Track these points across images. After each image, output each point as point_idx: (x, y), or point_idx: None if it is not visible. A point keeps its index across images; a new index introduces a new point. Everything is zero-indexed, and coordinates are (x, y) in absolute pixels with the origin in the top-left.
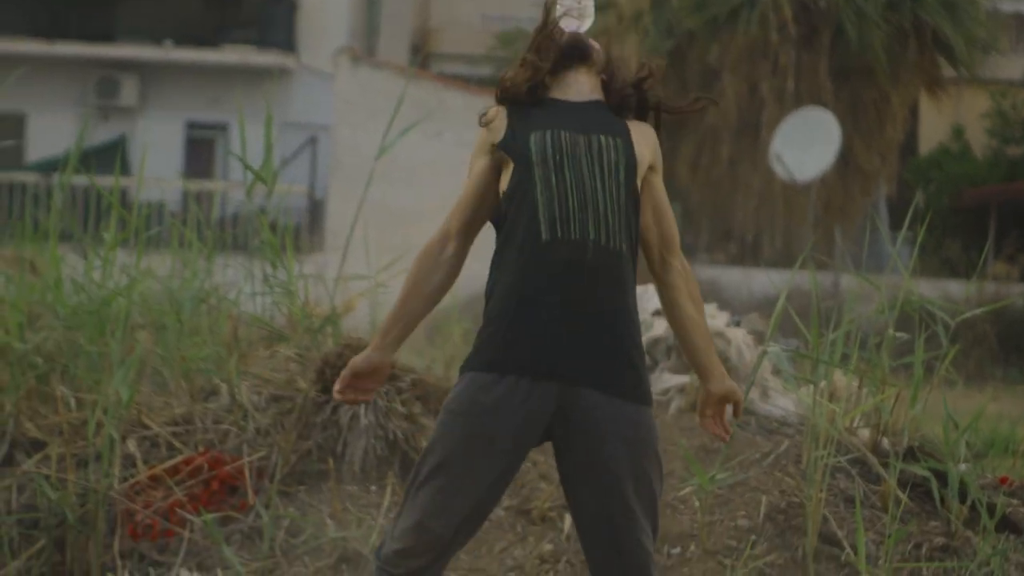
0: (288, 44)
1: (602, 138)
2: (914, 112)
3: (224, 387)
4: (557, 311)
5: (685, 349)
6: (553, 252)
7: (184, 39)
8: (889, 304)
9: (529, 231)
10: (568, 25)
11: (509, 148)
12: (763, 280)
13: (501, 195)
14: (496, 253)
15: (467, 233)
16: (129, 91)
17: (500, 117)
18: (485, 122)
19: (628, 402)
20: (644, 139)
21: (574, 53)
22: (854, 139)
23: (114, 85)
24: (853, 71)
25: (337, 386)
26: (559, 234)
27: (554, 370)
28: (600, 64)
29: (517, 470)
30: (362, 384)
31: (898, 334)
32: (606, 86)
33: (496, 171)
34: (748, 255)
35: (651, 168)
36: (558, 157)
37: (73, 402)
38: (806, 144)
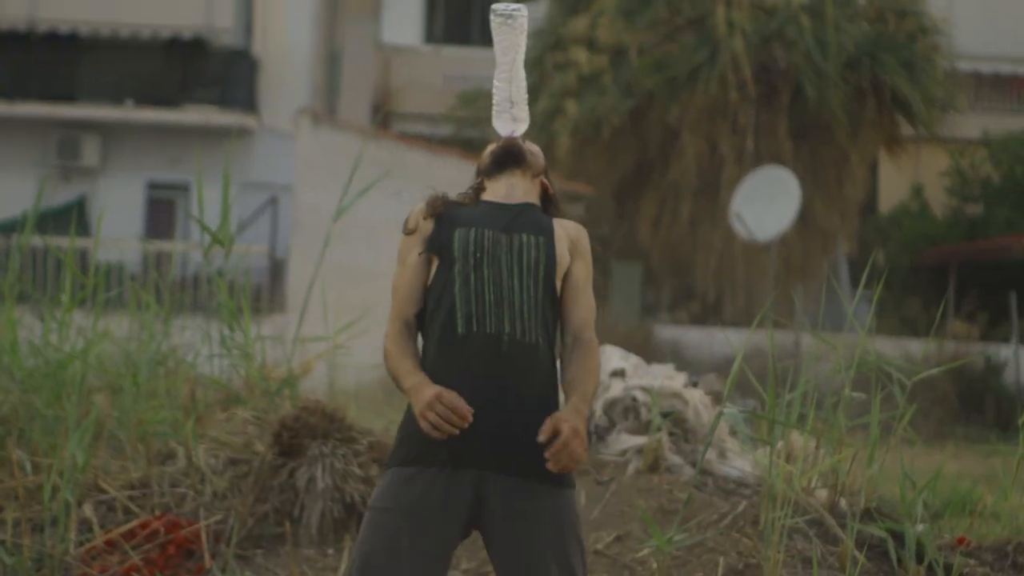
0: (249, 104)
1: (524, 237)
2: (873, 171)
3: (181, 450)
4: (474, 403)
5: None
6: (469, 345)
7: (145, 99)
8: (846, 363)
9: (447, 325)
10: (503, 128)
11: (434, 244)
12: (723, 339)
13: (427, 288)
14: (424, 343)
15: (410, 314)
16: (90, 151)
17: (428, 210)
18: (408, 231)
19: (546, 485)
20: (567, 235)
21: (508, 158)
22: (814, 198)
23: (75, 145)
24: (812, 130)
25: (441, 413)
26: (475, 328)
27: (472, 458)
28: (536, 168)
29: (450, 559)
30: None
31: (855, 394)
32: (544, 192)
33: (428, 262)
34: (710, 314)
35: (572, 258)
36: (478, 254)
37: (29, 466)
38: (766, 203)
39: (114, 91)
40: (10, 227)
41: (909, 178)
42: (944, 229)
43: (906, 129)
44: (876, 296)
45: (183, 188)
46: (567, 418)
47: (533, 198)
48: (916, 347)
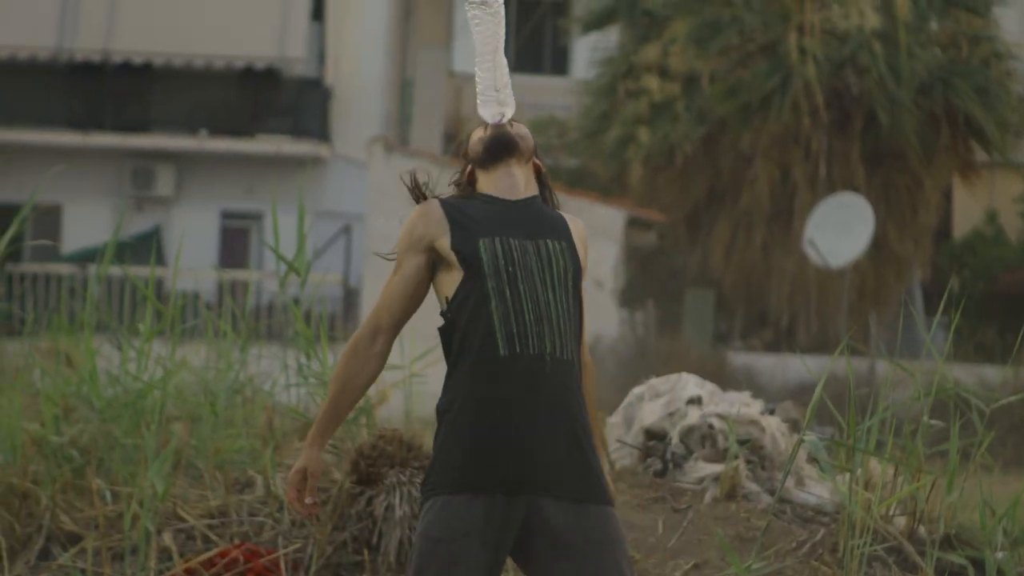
0: (322, 133)
1: (550, 244)
2: (947, 196)
3: (259, 479)
4: (522, 426)
5: None
6: (512, 367)
7: (219, 128)
8: (924, 391)
9: (485, 346)
10: (490, 116)
11: (459, 257)
12: (798, 366)
13: (445, 299)
14: (451, 366)
15: (396, 329)
16: (164, 181)
17: (437, 214)
18: (412, 240)
19: (593, 505)
20: (579, 236)
21: (501, 148)
22: (887, 224)
23: (149, 175)
24: (886, 156)
25: (294, 495)
26: (517, 350)
27: (524, 484)
28: (528, 151)
29: None
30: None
31: (933, 421)
32: (539, 175)
33: (431, 269)
34: (783, 341)
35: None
36: (511, 268)
37: (109, 495)
38: (840, 229)
39: (188, 121)
40: (87, 257)
41: (983, 204)
42: (1019, 254)
43: (980, 155)
44: (954, 323)
45: (257, 217)
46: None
47: (533, 187)
48: (992, 373)
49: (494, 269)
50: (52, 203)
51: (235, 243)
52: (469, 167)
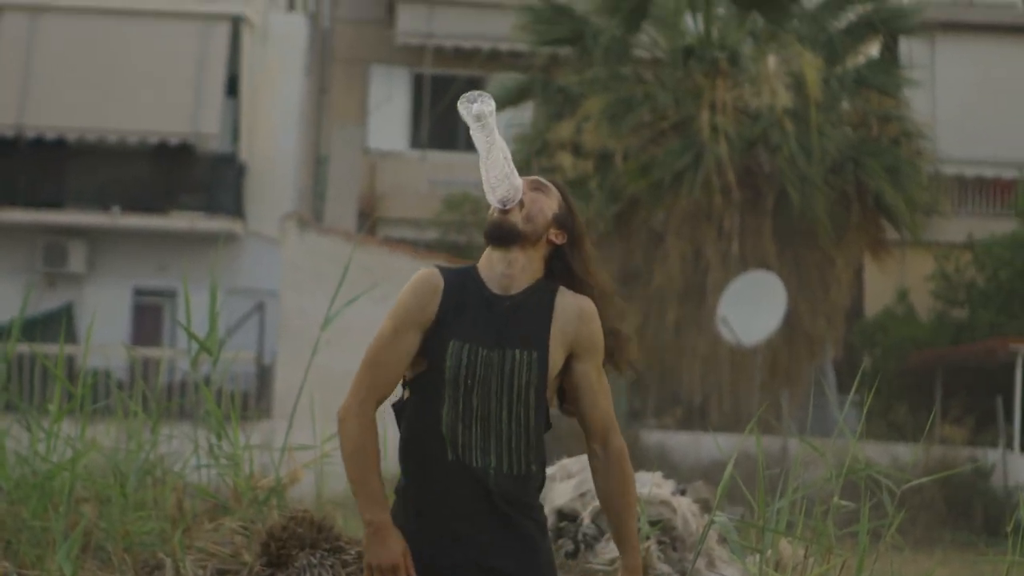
0: (236, 209)
1: (516, 354)
2: (859, 275)
3: (169, 561)
4: (460, 530)
5: (607, 518)
6: (457, 474)
7: (132, 205)
8: (836, 471)
9: (435, 444)
10: (494, 202)
11: (427, 353)
12: (710, 444)
13: (405, 376)
14: (401, 448)
15: (385, 398)
16: (77, 257)
17: (438, 295)
18: (410, 304)
19: None
20: (570, 329)
21: (498, 237)
22: (800, 302)
23: (62, 251)
24: (797, 234)
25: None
26: (462, 458)
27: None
28: (536, 232)
29: None
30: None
31: (844, 502)
32: (557, 253)
33: (415, 346)
34: (696, 419)
35: (580, 354)
36: (469, 381)
37: None
38: (752, 307)
39: (101, 197)
40: None
41: (895, 282)
42: (930, 333)
43: (891, 233)
44: (867, 402)
45: (170, 294)
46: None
47: (535, 270)
48: (904, 452)
49: (453, 376)
50: None
51: (147, 320)
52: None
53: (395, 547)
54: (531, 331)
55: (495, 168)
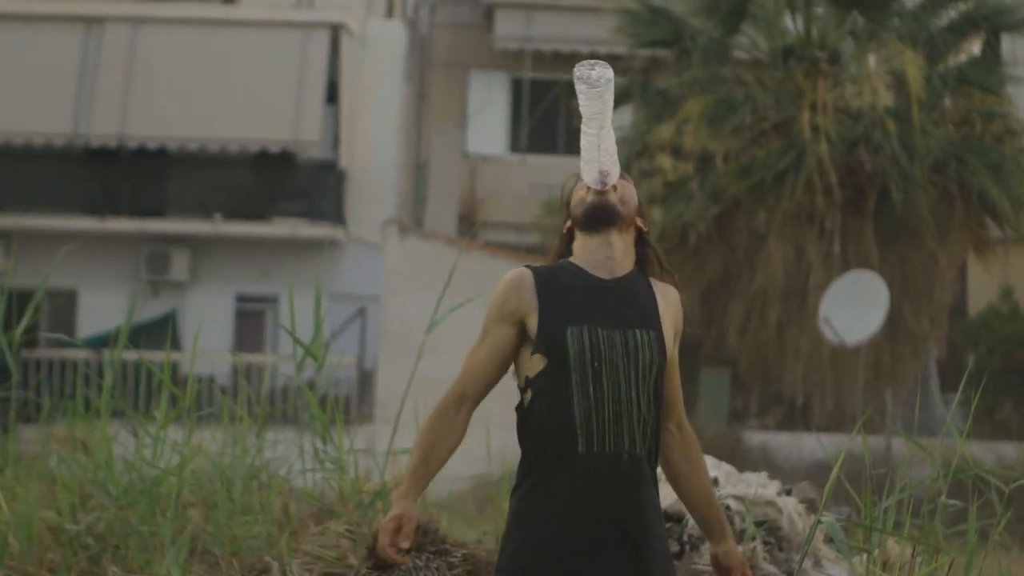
0: (337, 216)
1: (638, 334)
2: (962, 273)
3: (275, 565)
4: (597, 523)
5: (686, 506)
6: (591, 464)
7: (234, 212)
8: (942, 470)
9: (565, 439)
10: (592, 180)
11: (543, 343)
12: (813, 444)
13: (525, 378)
14: (526, 450)
15: (479, 399)
16: (179, 265)
17: (528, 286)
18: (499, 310)
19: None
20: (670, 313)
21: (599, 218)
22: (903, 301)
23: (165, 260)
24: (900, 233)
25: (387, 541)
26: (595, 447)
27: (597, 573)
28: (630, 216)
29: None
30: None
31: (952, 501)
32: (640, 239)
33: (520, 339)
34: (798, 419)
35: (676, 335)
36: (596, 364)
37: None
38: (854, 307)
39: (202, 205)
40: (102, 342)
41: (998, 280)
42: None
43: (994, 231)
44: (975, 401)
45: (272, 300)
46: (735, 558)
47: (631, 255)
48: (1009, 450)
49: (580, 363)
50: (68, 288)
51: (250, 327)
52: (569, 222)
53: (399, 509)
54: (646, 311)
55: (607, 140)
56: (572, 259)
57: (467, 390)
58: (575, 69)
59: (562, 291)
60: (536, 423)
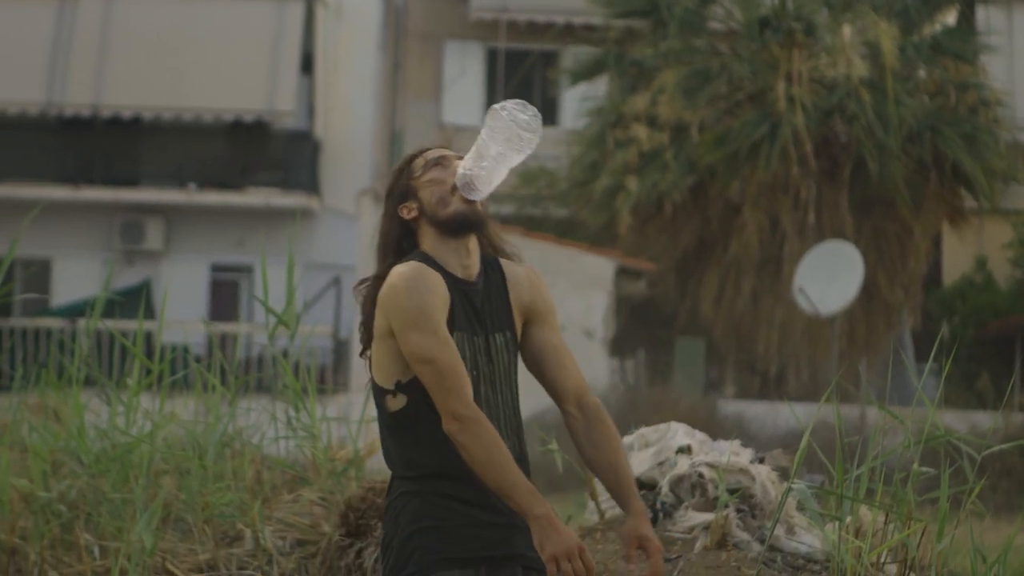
0: (312, 185)
1: (497, 339)
2: (937, 244)
3: (248, 532)
4: (494, 500)
5: (599, 476)
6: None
7: (208, 182)
8: (914, 438)
9: (452, 447)
10: (471, 193)
11: None
12: (787, 414)
13: (396, 381)
14: (414, 441)
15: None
16: (154, 235)
17: (442, 287)
18: (432, 301)
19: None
20: (525, 297)
21: (468, 228)
22: (877, 271)
23: (139, 229)
24: (875, 204)
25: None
26: None
27: (512, 555)
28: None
29: None
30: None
31: (924, 468)
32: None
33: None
34: (772, 388)
35: (537, 320)
36: (474, 372)
37: (97, 550)
38: (829, 277)
39: (177, 175)
40: (76, 311)
41: (973, 250)
42: (1009, 300)
43: (969, 201)
44: (945, 369)
45: (246, 270)
46: (649, 535)
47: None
48: (983, 419)
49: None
50: (42, 257)
51: (224, 296)
52: (415, 211)
53: (571, 532)
54: (499, 312)
55: (499, 175)
56: (432, 256)
57: (466, 389)
58: (513, 108)
59: (453, 288)
60: (420, 424)
